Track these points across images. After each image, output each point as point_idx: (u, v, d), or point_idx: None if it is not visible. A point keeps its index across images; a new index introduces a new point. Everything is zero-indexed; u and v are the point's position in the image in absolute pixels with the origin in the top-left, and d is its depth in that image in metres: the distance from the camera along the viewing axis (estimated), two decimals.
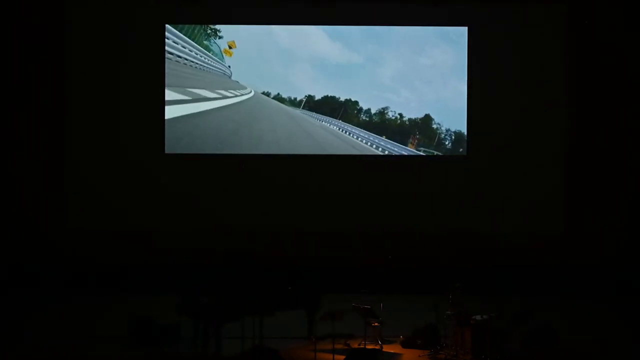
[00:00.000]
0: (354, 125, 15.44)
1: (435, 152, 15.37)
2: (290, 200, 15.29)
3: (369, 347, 10.90)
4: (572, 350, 11.06)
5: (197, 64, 15.34)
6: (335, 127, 15.43)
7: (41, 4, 15.16)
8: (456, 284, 10.90)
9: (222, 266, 11.50)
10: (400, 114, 15.44)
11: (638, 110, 15.29)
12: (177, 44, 15.24)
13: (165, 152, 15.36)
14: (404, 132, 15.41)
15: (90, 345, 11.25)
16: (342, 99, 15.44)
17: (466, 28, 15.32)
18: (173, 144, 15.26)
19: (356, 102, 15.47)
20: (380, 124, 15.40)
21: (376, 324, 11.15)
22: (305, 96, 15.43)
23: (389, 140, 15.35)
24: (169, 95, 15.18)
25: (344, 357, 10.17)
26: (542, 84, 15.33)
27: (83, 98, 15.25)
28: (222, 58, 15.35)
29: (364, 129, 15.40)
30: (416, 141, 15.34)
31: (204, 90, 15.42)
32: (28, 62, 15.17)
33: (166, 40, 15.18)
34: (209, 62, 15.36)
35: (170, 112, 15.18)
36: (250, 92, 15.40)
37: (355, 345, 10.96)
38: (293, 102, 15.42)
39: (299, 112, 15.39)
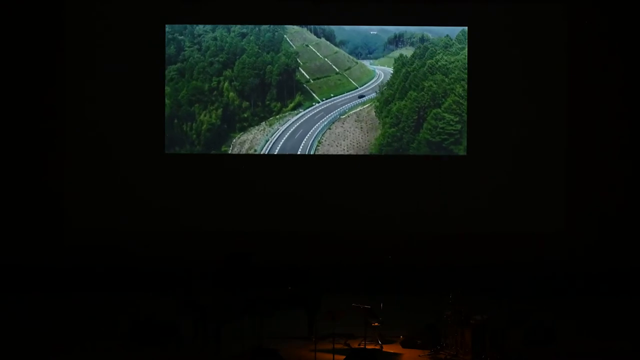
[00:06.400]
0: None
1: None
2: (291, 200, 15.28)
3: (369, 347, 10.90)
4: (571, 350, 11.06)
5: None
6: None
7: (41, 4, 15.17)
8: (456, 285, 10.90)
9: (222, 266, 11.51)
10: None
11: (638, 110, 15.30)
12: None
13: (165, 152, 15.38)
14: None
15: (90, 345, 11.25)
16: None
17: (466, 28, 15.34)
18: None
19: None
20: None
21: (376, 324, 11.15)
22: None
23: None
24: None
25: (344, 357, 10.19)
26: (542, 84, 15.34)
27: (82, 98, 15.25)
28: None
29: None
30: None
31: None
32: (27, 62, 15.16)
33: None
34: None
35: None
36: None
37: (355, 345, 10.96)
38: None
39: None
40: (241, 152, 15.37)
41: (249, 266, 11.50)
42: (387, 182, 15.38)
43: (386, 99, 15.50)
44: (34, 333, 11.90)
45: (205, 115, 15.50)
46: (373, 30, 15.52)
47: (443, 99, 15.42)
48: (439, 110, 15.41)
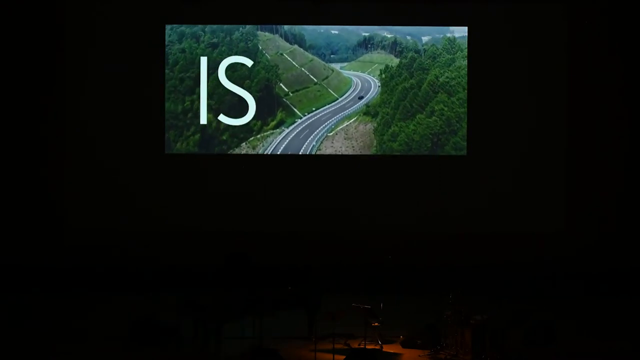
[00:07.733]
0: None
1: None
2: (290, 200, 15.28)
3: (369, 347, 10.90)
4: (571, 350, 11.06)
5: None
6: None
7: (41, 4, 15.16)
8: (456, 285, 10.91)
9: (222, 266, 11.51)
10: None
11: (638, 110, 15.30)
12: None
13: (165, 152, 15.38)
14: None
15: (91, 345, 11.25)
16: None
17: (466, 28, 15.34)
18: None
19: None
20: None
21: (376, 324, 11.15)
22: None
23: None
24: None
25: (344, 357, 10.18)
26: (542, 84, 15.34)
27: (83, 98, 15.24)
28: None
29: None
30: None
31: None
32: (27, 62, 15.16)
33: None
34: None
35: None
36: None
37: (355, 345, 10.97)
38: None
39: None
40: (240, 153, 15.37)
41: (249, 266, 11.50)
42: (387, 182, 15.37)
43: (386, 121, 14.99)
44: (34, 333, 11.90)
45: (182, 144, 15.03)
46: (334, 29, 15.15)
47: (458, 125, 15.15)
48: (457, 139, 15.16)
